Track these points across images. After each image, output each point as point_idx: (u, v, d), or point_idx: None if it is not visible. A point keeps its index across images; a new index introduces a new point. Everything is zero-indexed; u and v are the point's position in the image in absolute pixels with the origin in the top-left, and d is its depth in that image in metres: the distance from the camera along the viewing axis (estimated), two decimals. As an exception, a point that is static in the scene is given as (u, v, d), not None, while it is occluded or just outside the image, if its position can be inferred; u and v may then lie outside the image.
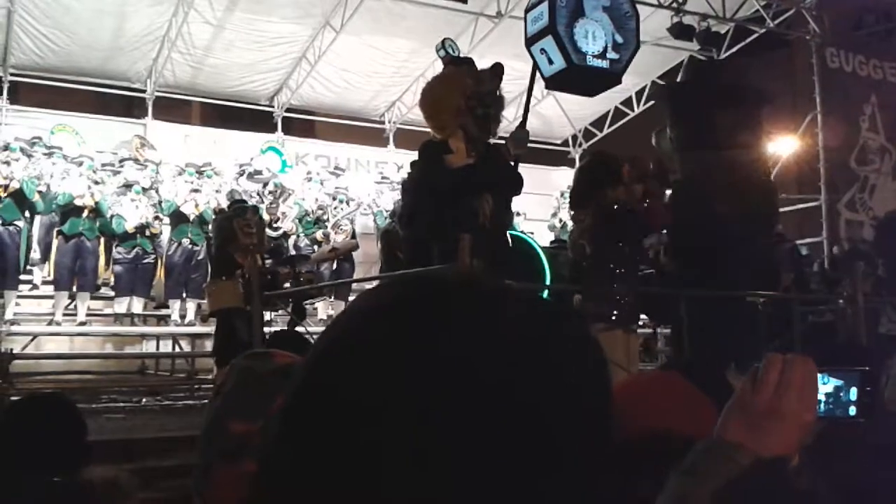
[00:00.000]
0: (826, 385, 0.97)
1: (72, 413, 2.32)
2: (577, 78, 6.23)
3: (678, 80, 8.73)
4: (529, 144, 5.85)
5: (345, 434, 0.54)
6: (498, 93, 5.38)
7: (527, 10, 6.23)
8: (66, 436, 2.20)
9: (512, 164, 5.43)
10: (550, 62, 5.97)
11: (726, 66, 9.78)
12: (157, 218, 10.63)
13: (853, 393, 0.98)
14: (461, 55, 6.36)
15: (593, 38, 6.08)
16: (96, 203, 10.15)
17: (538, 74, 6.13)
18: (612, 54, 6.16)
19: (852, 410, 0.99)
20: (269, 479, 0.59)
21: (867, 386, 0.99)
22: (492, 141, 5.49)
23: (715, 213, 5.87)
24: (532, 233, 11.61)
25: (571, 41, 5.95)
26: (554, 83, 6.36)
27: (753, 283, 6.17)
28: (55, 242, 10.38)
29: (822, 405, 0.95)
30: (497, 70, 5.36)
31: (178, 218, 10.83)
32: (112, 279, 10.70)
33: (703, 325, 5.53)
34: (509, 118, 7.60)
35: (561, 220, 13.44)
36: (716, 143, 6.18)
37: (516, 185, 5.50)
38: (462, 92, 5.16)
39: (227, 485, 1.22)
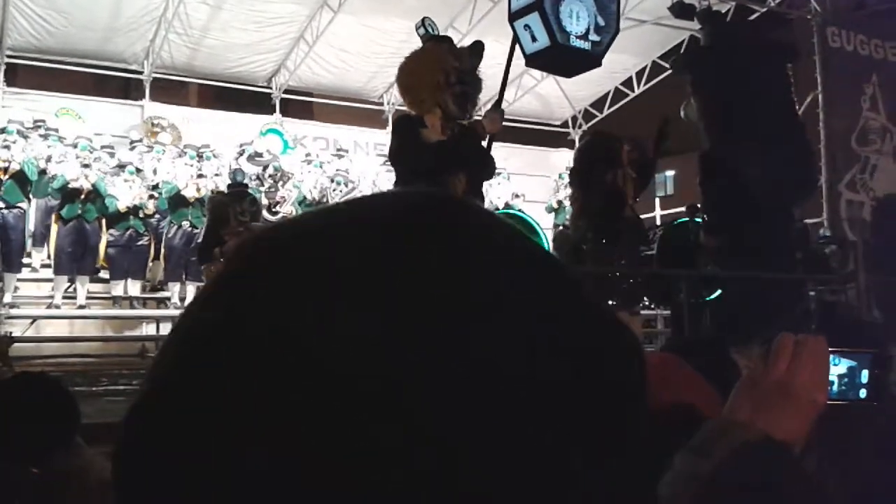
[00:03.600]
0: (838, 366, 0.95)
1: (57, 392, 2.31)
2: (559, 58, 6.16)
3: (699, 45, 8.58)
4: (528, 126, 5.82)
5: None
6: (477, 73, 5.32)
7: None
8: (52, 415, 2.19)
9: (485, 143, 5.35)
10: (534, 39, 5.91)
11: (747, 24, 9.59)
12: (151, 197, 10.59)
13: (864, 375, 0.97)
14: (462, 39, 6.31)
15: (577, 18, 6.03)
16: (93, 185, 10.11)
17: (518, 51, 6.06)
18: (594, 36, 6.11)
19: (863, 393, 0.97)
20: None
21: (877, 368, 0.98)
22: (465, 122, 5.41)
23: (745, 181, 5.78)
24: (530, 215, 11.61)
25: (557, 20, 5.89)
26: (534, 61, 6.28)
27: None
28: (54, 227, 10.36)
29: (834, 387, 0.94)
30: (477, 48, 5.30)
31: (177, 201, 10.81)
32: (104, 262, 10.69)
33: (732, 302, 5.48)
34: (508, 99, 7.56)
35: (560, 202, 13.42)
36: (741, 108, 6.08)
37: (488, 168, 5.44)
38: (442, 68, 5.09)
39: None
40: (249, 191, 9.31)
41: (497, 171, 12.07)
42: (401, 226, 0.47)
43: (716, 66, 6.52)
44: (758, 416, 0.82)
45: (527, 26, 5.90)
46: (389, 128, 14.81)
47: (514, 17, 5.98)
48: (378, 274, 0.44)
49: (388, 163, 13.02)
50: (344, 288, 0.43)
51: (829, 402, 0.89)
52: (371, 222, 0.48)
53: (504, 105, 5.70)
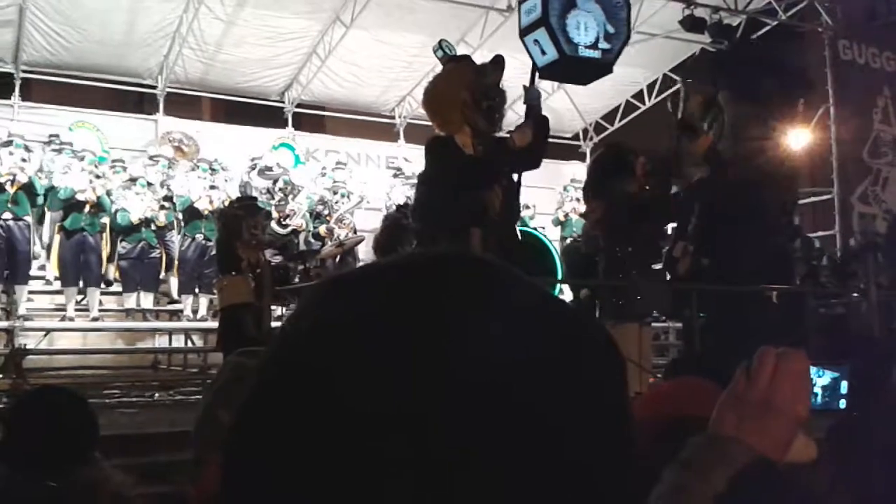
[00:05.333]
0: (822, 378, 0.98)
1: (79, 406, 2.33)
2: (570, 68, 6.31)
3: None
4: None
5: (321, 433, 0.48)
6: (501, 86, 5.38)
7: (520, 2, 6.32)
8: (73, 429, 2.21)
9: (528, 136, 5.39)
10: (543, 53, 6.06)
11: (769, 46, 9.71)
12: (162, 207, 10.67)
13: (844, 386, 0.99)
14: (474, 53, 6.39)
15: (585, 28, 6.16)
16: (98, 198, 10.18)
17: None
18: (603, 44, 6.23)
19: (843, 403, 1.00)
20: (232, 478, 0.54)
21: (856, 379, 1.00)
22: (498, 134, 5.48)
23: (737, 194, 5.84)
24: (543, 227, 11.62)
25: (563, 32, 6.02)
26: (547, 73, 6.42)
27: (769, 273, 6.11)
28: (57, 238, 10.44)
29: (818, 398, 0.96)
30: (498, 61, 5.35)
31: (191, 213, 10.88)
32: (117, 275, 10.76)
33: (720, 320, 5.49)
34: (520, 113, 7.61)
35: (565, 214, 13.41)
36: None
37: (533, 161, 5.47)
38: (466, 86, 5.15)
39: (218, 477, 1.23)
40: (259, 204, 9.37)
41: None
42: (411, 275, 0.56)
43: (728, 79, 6.59)
44: (742, 430, 0.83)
45: (536, 41, 6.02)
46: (401, 140, 14.92)
47: (523, 33, 6.09)
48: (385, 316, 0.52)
49: (400, 173, 13.03)
50: (359, 320, 0.53)
51: (813, 412, 0.91)
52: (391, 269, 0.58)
53: (516, 118, 5.74)
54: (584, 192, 7.22)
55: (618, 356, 0.57)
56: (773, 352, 0.87)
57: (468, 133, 5.10)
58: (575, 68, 6.33)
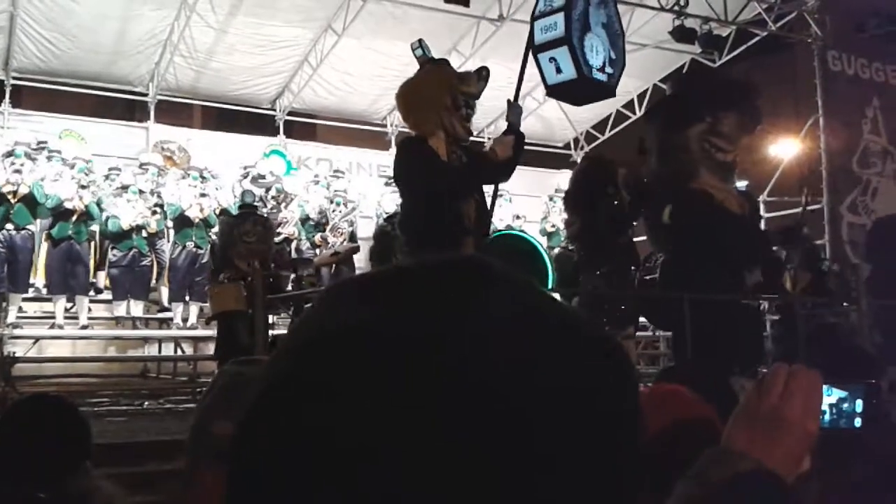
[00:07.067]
0: (830, 396, 0.97)
1: (72, 415, 2.31)
2: (579, 89, 6.29)
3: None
4: (530, 147, 5.86)
5: (326, 436, 0.49)
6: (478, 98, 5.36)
7: (535, 18, 6.25)
8: (66, 439, 2.19)
9: (514, 139, 5.38)
10: (559, 71, 6.02)
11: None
12: (154, 213, 10.63)
13: (858, 405, 0.98)
14: (465, 62, 6.35)
15: (596, 52, 6.18)
16: (86, 206, 10.14)
17: (542, 81, 6.16)
18: (608, 69, 6.25)
19: (857, 422, 0.99)
20: (235, 485, 0.54)
21: (872, 398, 0.99)
22: (470, 146, 5.45)
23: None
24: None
25: (582, 53, 6.02)
26: (555, 91, 6.41)
27: (755, 266, 6.08)
28: (44, 246, 10.40)
29: (826, 416, 0.95)
30: (484, 73, 5.33)
31: (181, 221, 10.85)
32: (107, 282, 10.72)
33: (702, 324, 5.46)
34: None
35: (553, 225, 13.40)
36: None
37: (506, 174, 5.50)
38: (449, 89, 5.10)
39: (214, 485, 1.22)
40: (254, 214, 9.35)
41: (499, 192, 12.11)
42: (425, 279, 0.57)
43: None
44: (753, 446, 0.83)
45: (552, 59, 6.00)
46: (393, 149, 14.89)
47: (538, 49, 6.06)
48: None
49: (393, 182, 13.05)
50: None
51: (822, 431, 0.91)
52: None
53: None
54: (564, 203, 7.23)
55: (620, 357, 0.57)
56: (785, 368, 0.87)
57: (441, 137, 5.04)
58: (583, 89, 6.34)
